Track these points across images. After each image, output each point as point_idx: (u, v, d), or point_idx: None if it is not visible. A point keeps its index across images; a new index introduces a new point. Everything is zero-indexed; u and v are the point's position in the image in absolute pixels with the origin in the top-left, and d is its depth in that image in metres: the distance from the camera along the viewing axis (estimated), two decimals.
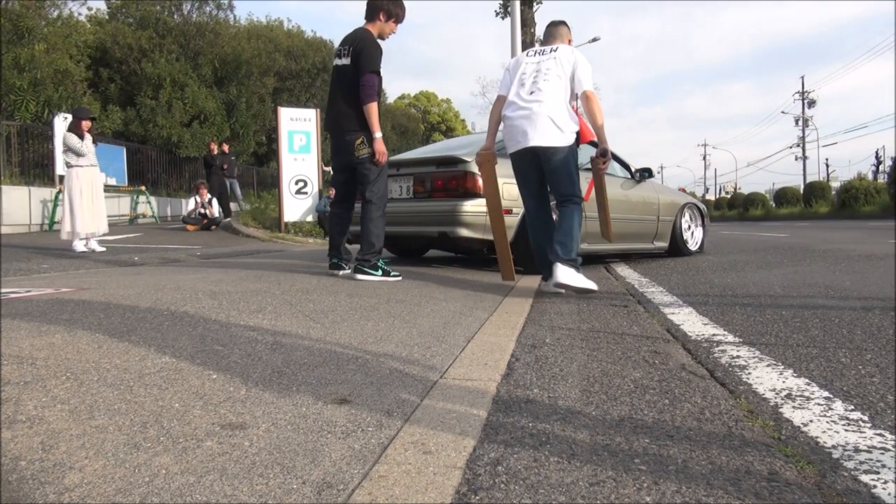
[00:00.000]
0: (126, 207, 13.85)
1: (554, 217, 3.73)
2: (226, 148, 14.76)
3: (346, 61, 3.71)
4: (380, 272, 3.74)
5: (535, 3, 14.85)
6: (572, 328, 2.61)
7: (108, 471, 1.09)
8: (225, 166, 13.78)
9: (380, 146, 3.68)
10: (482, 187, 3.93)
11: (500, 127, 3.71)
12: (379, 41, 3.78)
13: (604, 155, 3.64)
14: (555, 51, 3.62)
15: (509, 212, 4.49)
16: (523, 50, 11.20)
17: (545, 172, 3.57)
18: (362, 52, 3.63)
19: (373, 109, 3.65)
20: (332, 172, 4.37)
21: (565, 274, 3.35)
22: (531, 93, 3.52)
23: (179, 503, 0.99)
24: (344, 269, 3.91)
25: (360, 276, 3.72)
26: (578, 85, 3.52)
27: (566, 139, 3.47)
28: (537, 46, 3.79)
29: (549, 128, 3.44)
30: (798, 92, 42.64)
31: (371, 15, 3.78)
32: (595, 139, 3.71)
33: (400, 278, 3.80)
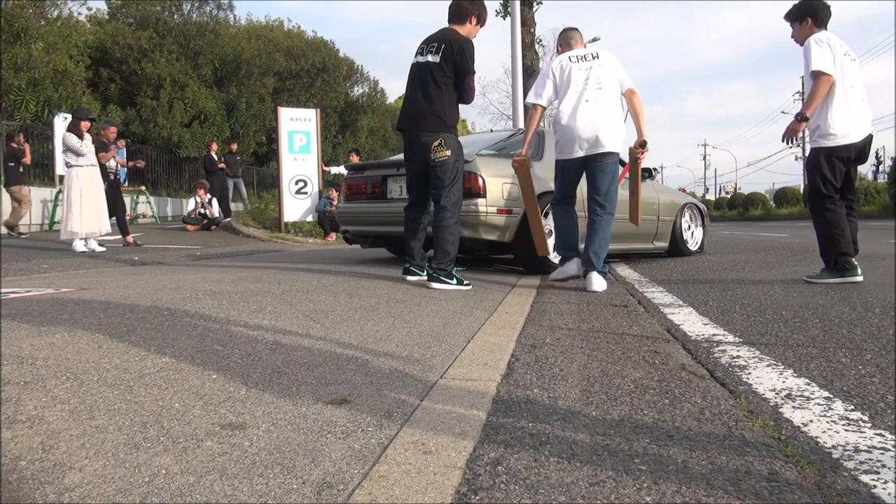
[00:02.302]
0: (126, 207, 13.84)
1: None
2: (233, 147, 15.08)
3: (433, 58, 3.56)
4: (454, 280, 3.58)
5: (535, 4, 14.85)
6: (572, 328, 2.61)
7: (108, 471, 1.09)
8: (223, 166, 13.86)
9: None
10: (522, 190, 4.19)
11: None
12: None
13: (643, 146, 3.96)
14: (597, 57, 3.89)
15: (508, 212, 4.49)
16: (523, 50, 11.21)
17: (591, 176, 3.86)
18: (463, 54, 3.52)
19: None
20: (339, 170, 4.27)
21: (600, 283, 3.80)
22: (587, 101, 3.79)
23: (179, 503, 0.99)
24: (417, 274, 3.75)
25: (434, 285, 3.54)
26: (622, 85, 3.86)
27: (618, 145, 3.84)
28: (575, 52, 3.97)
29: (607, 136, 3.75)
30: (798, 92, 42.64)
31: (462, 17, 3.70)
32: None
33: (471, 287, 3.65)
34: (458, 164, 3.62)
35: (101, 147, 7.67)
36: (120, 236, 8.14)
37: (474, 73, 3.61)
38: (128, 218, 13.49)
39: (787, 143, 3.92)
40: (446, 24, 3.75)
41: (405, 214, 3.84)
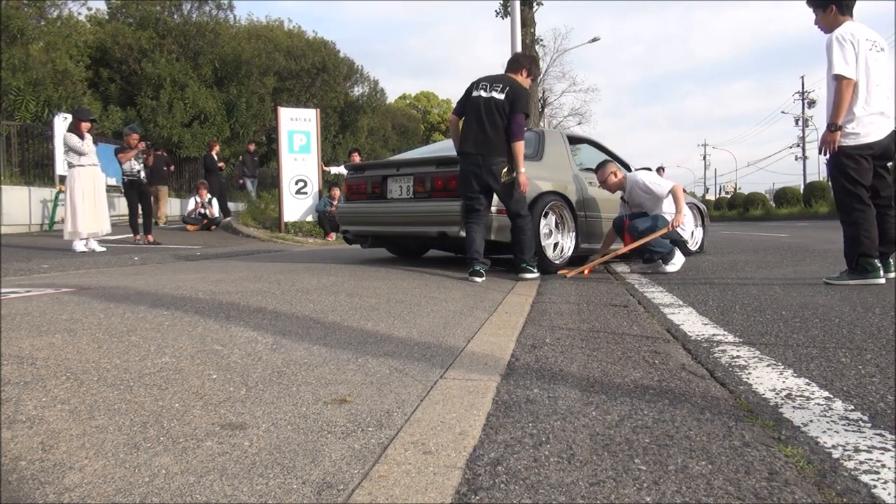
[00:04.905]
0: (126, 207, 13.85)
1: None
2: (251, 147, 15.64)
3: (498, 95, 4.19)
4: (536, 270, 4.40)
5: (535, 4, 14.86)
6: (572, 328, 2.61)
7: (108, 471, 1.09)
8: (222, 165, 14.21)
9: (523, 179, 4.22)
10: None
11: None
12: None
13: None
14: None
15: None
16: (523, 50, 11.26)
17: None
18: (520, 96, 4.18)
19: (521, 147, 4.18)
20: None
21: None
22: None
23: (179, 503, 0.99)
24: (483, 276, 4.10)
25: (526, 276, 4.32)
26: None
27: None
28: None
29: None
30: (798, 92, 42.66)
31: (516, 68, 4.41)
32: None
33: (538, 275, 4.44)
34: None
35: (121, 150, 8.29)
36: (119, 236, 8.16)
37: (528, 114, 4.26)
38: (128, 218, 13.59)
39: (825, 155, 3.78)
40: (504, 72, 4.46)
41: (471, 224, 4.21)
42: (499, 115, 4.16)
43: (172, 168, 14.59)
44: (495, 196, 4.34)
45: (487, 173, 4.13)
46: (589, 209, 5.28)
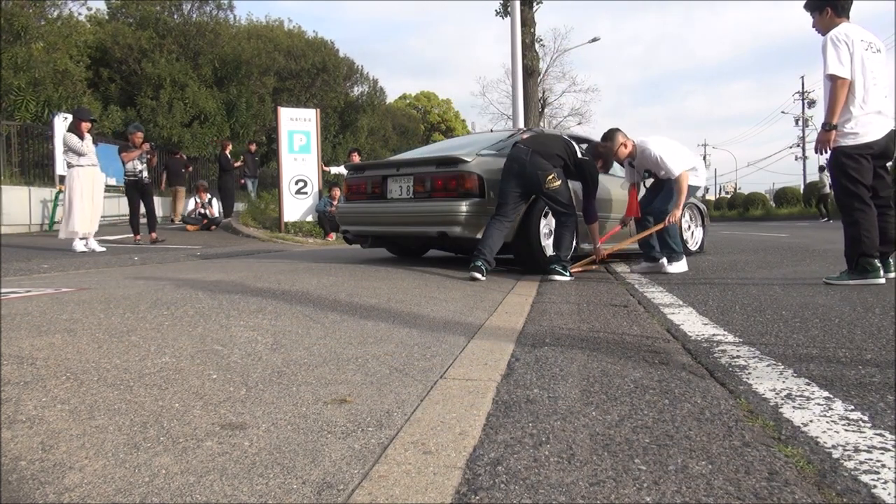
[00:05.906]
0: (126, 207, 13.85)
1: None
2: (252, 148, 15.79)
3: (578, 149, 4.63)
4: (568, 273, 4.48)
5: (535, 3, 14.87)
6: (572, 328, 2.61)
7: (108, 471, 1.09)
8: (237, 164, 14.49)
9: (601, 253, 4.92)
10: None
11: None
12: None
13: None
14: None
15: None
16: (523, 50, 11.24)
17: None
18: (594, 172, 4.67)
19: (596, 228, 4.81)
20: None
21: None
22: None
23: (179, 503, 0.99)
24: (484, 277, 4.11)
25: (556, 277, 4.41)
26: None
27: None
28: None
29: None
30: (798, 92, 42.66)
31: (595, 156, 4.83)
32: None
33: (573, 278, 4.53)
34: (568, 187, 4.50)
35: (124, 148, 8.30)
36: (119, 236, 8.16)
37: (594, 189, 4.68)
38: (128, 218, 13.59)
39: (821, 154, 3.82)
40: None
41: (496, 222, 4.26)
42: (566, 148, 4.51)
43: (191, 169, 15.53)
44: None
45: (531, 176, 4.27)
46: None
